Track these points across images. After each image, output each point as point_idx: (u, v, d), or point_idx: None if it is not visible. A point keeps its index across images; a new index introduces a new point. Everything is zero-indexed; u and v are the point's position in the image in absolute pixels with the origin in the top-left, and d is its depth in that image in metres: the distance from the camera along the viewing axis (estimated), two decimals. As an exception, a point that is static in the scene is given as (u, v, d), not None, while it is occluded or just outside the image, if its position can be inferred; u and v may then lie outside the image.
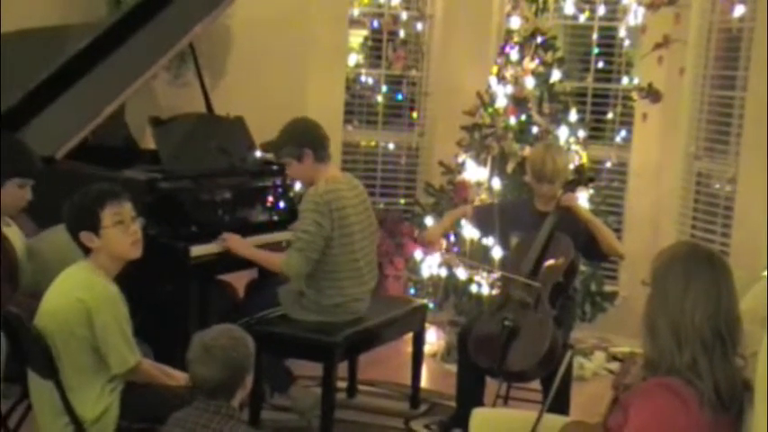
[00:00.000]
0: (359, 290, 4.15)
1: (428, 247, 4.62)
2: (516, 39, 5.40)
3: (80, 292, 3.04)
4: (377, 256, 4.37)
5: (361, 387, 4.77)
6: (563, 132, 5.32)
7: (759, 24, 5.10)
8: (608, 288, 5.54)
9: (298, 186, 4.79)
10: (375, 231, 4.31)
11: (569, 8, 5.83)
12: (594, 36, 6.01)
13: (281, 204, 4.81)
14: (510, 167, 5.24)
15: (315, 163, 4.06)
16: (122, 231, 3.13)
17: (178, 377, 3.24)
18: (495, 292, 4.91)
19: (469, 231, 5.25)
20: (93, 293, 3.03)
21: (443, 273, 5.35)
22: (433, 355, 5.34)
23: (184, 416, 2.66)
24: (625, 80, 6.01)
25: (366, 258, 4.18)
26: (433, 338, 5.48)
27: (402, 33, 6.29)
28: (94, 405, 3.07)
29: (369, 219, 4.22)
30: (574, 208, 4.22)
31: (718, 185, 5.66)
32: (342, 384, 4.56)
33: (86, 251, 3.14)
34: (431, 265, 5.43)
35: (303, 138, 4.06)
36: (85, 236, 3.09)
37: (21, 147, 3.77)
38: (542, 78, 5.36)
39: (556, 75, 5.41)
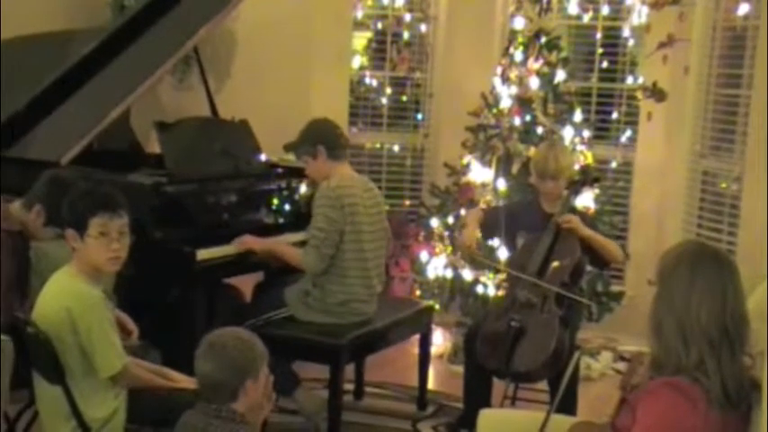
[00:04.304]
0: (365, 291, 4.15)
1: (464, 251, 4.47)
2: (520, 39, 5.40)
3: (64, 299, 3.03)
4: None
5: (368, 389, 4.76)
6: (568, 132, 5.31)
7: (763, 22, 5.09)
8: (614, 288, 5.53)
9: (303, 189, 4.80)
10: (387, 237, 4.32)
11: (573, 8, 5.82)
12: (598, 36, 6.01)
13: (287, 207, 4.81)
14: (515, 168, 5.23)
15: (328, 160, 4.13)
16: (103, 245, 3.07)
17: (180, 380, 3.23)
18: (500, 292, 4.90)
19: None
20: (76, 300, 3.03)
21: (449, 274, 5.36)
22: (440, 357, 5.33)
23: (187, 419, 2.65)
24: (629, 79, 6.01)
25: (375, 261, 4.19)
26: (440, 340, 5.48)
27: (406, 35, 6.28)
28: (99, 409, 3.07)
29: (381, 223, 4.24)
30: (573, 231, 4.16)
31: (724, 184, 5.64)
32: (349, 387, 4.56)
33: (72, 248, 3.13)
34: (436, 266, 5.44)
35: (317, 135, 4.15)
36: (70, 234, 3.08)
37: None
38: (547, 79, 5.35)
39: (560, 75, 5.40)
